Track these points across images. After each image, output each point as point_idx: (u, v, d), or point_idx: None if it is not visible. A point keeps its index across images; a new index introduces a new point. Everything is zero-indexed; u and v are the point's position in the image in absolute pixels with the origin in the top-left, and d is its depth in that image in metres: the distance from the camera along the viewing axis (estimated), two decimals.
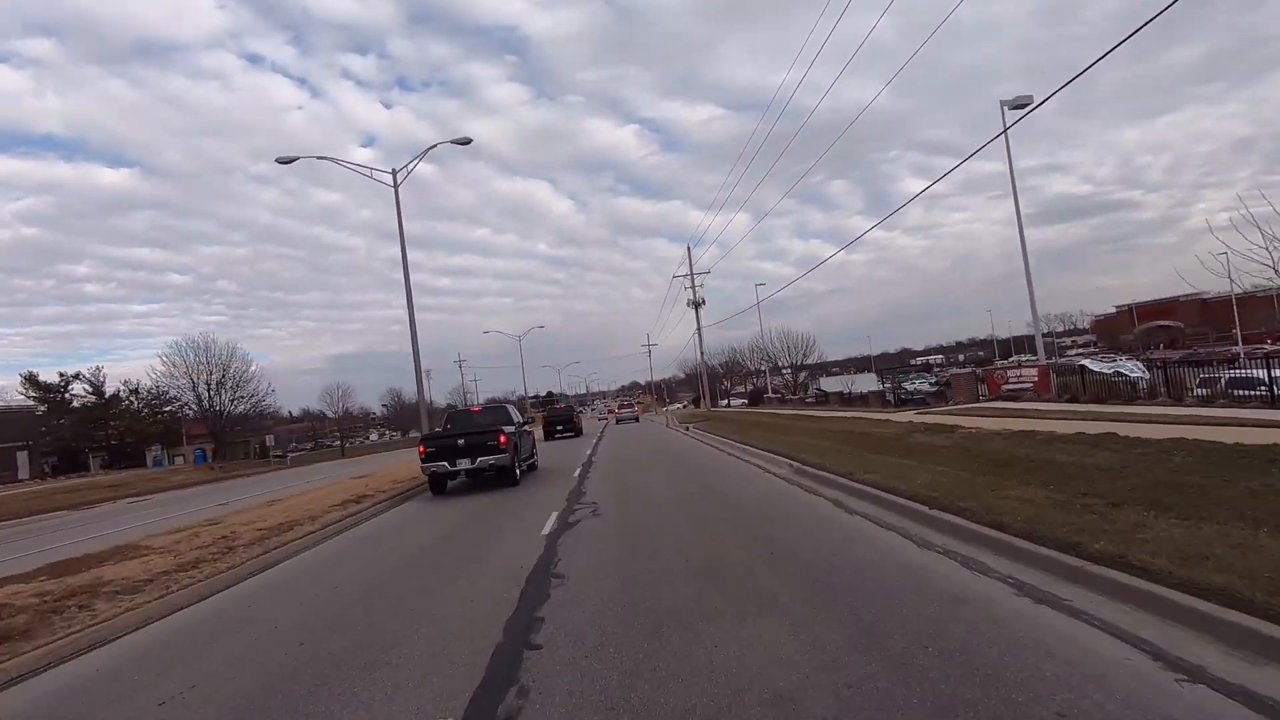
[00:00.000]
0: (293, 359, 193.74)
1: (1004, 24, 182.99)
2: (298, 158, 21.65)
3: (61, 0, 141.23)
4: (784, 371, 71.47)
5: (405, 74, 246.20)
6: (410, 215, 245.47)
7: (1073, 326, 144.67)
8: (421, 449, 16.35)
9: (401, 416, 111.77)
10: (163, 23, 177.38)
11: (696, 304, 48.25)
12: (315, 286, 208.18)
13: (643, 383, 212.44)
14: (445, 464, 15.70)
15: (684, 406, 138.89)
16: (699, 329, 48.74)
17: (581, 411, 63.80)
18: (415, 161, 22.84)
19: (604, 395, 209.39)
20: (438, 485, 16.26)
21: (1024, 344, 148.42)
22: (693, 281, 48.39)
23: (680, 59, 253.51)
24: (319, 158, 24.62)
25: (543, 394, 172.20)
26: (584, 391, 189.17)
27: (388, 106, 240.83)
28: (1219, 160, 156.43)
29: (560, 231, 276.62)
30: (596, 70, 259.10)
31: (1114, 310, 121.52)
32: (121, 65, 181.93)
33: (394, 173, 22.89)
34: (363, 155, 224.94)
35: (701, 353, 49.35)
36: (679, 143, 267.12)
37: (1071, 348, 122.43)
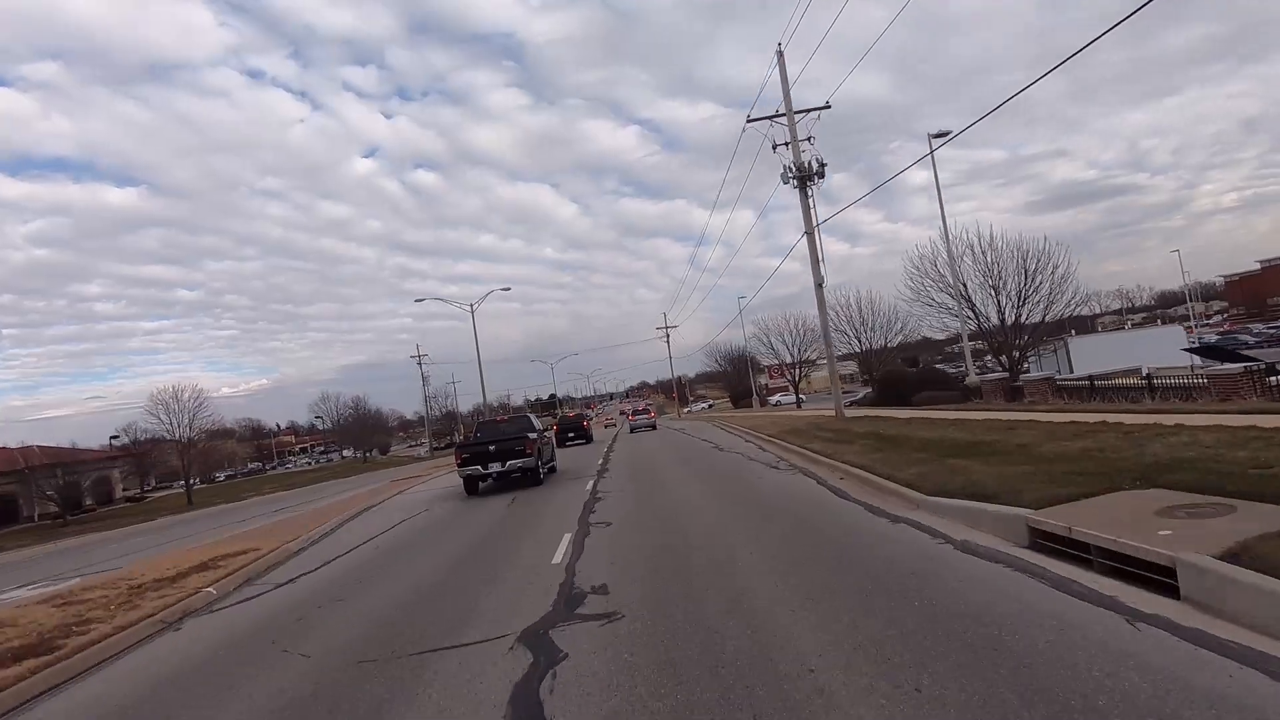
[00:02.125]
0: (303, 370, 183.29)
1: (1004, 12, 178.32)
2: None
3: (68, 24, 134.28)
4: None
5: (405, 84, 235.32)
6: (415, 223, 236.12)
7: (1129, 304, 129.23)
8: (458, 456, 17.61)
9: (353, 430, 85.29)
10: (168, 42, 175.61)
11: (801, 176, 21.67)
12: (325, 298, 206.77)
13: (652, 382, 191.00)
14: (479, 468, 16.69)
15: (709, 406, 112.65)
16: (812, 230, 22.16)
17: (589, 416, 56.85)
18: None
19: (611, 397, 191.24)
20: (471, 487, 17.12)
21: (1083, 324, 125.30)
22: (793, 132, 21.85)
23: (678, 58, 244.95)
24: None
25: (545, 397, 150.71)
26: (591, 394, 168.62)
27: (388, 117, 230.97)
28: (1226, 140, 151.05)
29: (565, 236, 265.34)
30: (595, 72, 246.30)
31: (1259, 267, 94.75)
32: (129, 86, 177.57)
33: None
34: (365, 166, 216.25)
35: (820, 284, 22.39)
36: (680, 142, 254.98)
37: (1188, 318, 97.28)
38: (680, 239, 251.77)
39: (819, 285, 22.62)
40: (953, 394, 28.16)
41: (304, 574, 9.41)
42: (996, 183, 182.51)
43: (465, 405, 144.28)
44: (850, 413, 24.15)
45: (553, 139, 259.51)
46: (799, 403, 53.49)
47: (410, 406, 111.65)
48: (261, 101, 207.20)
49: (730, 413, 57.13)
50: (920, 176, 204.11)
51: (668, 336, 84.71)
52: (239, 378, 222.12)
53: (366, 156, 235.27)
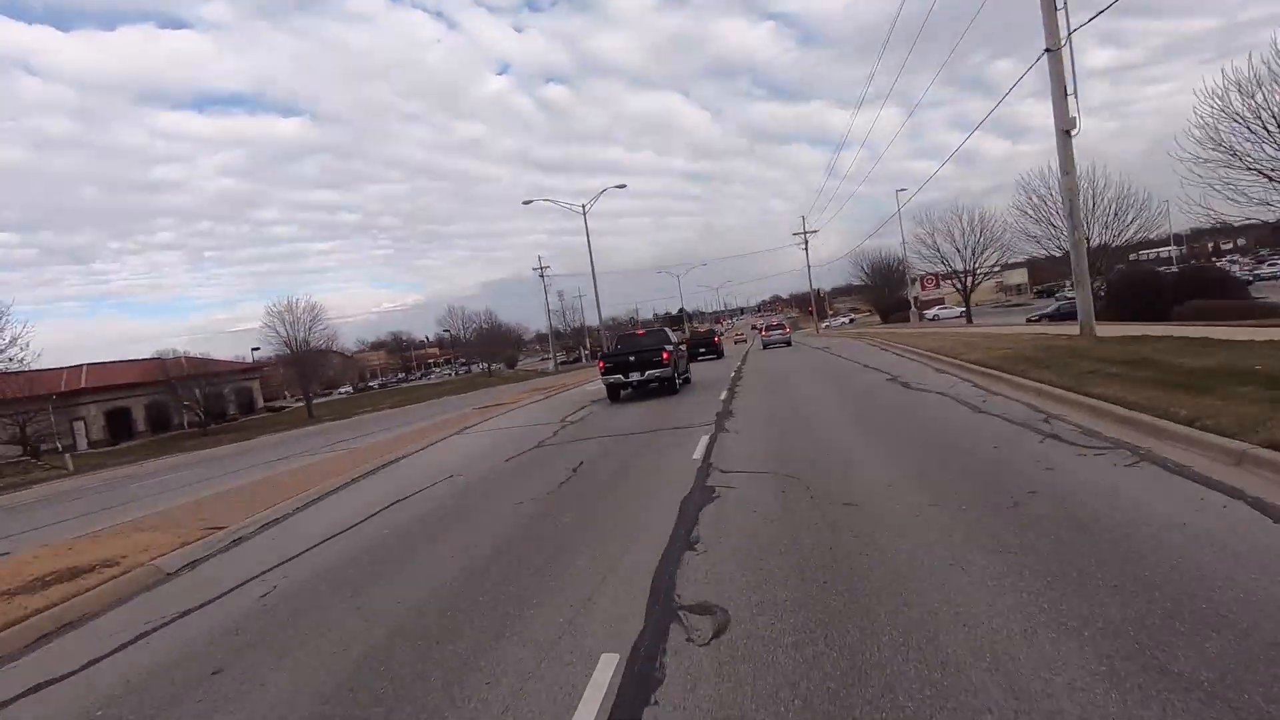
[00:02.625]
0: (451, 287, 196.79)
1: None
2: None
3: None
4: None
5: None
6: (544, 139, 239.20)
7: None
8: (601, 364, 18.68)
9: (479, 344, 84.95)
10: None
11: None
12: (465, 218, 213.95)
13: (785, 296, 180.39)
14: (620, 376, 17.51)
15: (850, 321, 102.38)
16: (1058, 45, 13.80)
17: (719, 332, 52.33)
18: None
19: (741, 312, 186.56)
20: (613, 393, 17.92)
21: None
22: None
23: None
24: None
25: (674, 313, 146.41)
26: (720, 308, 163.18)
27: (518, 30, 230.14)
28: None
29: (696, 145, 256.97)
30: None
31: None
32: (284, 18, 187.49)
33: None
34: (498, 84, 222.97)
35: (1069, 131, 14.15)
36: (818, 35, 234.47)
37: None
38: (817, 143, 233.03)
39: (1066, 132, 14.43)
40: (1244, 304, 19.01)
41: None
42: (1203, 58, 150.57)
43: (595, 319, 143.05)
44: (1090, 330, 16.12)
45: (682, 41, 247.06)
46: (968, 317, 43.96)
47: (544, 320, 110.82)
48: (402, 23, 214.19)
49: (882, 329, 48.53)
50: (1100, 58, 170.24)
51: (806, 243, 75.37)
52: (395, 293, 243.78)
53: (499, 74, 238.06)
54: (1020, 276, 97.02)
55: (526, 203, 43.19)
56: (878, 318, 71.99)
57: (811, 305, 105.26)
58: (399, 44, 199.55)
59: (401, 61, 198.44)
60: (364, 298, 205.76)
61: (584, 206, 42.34)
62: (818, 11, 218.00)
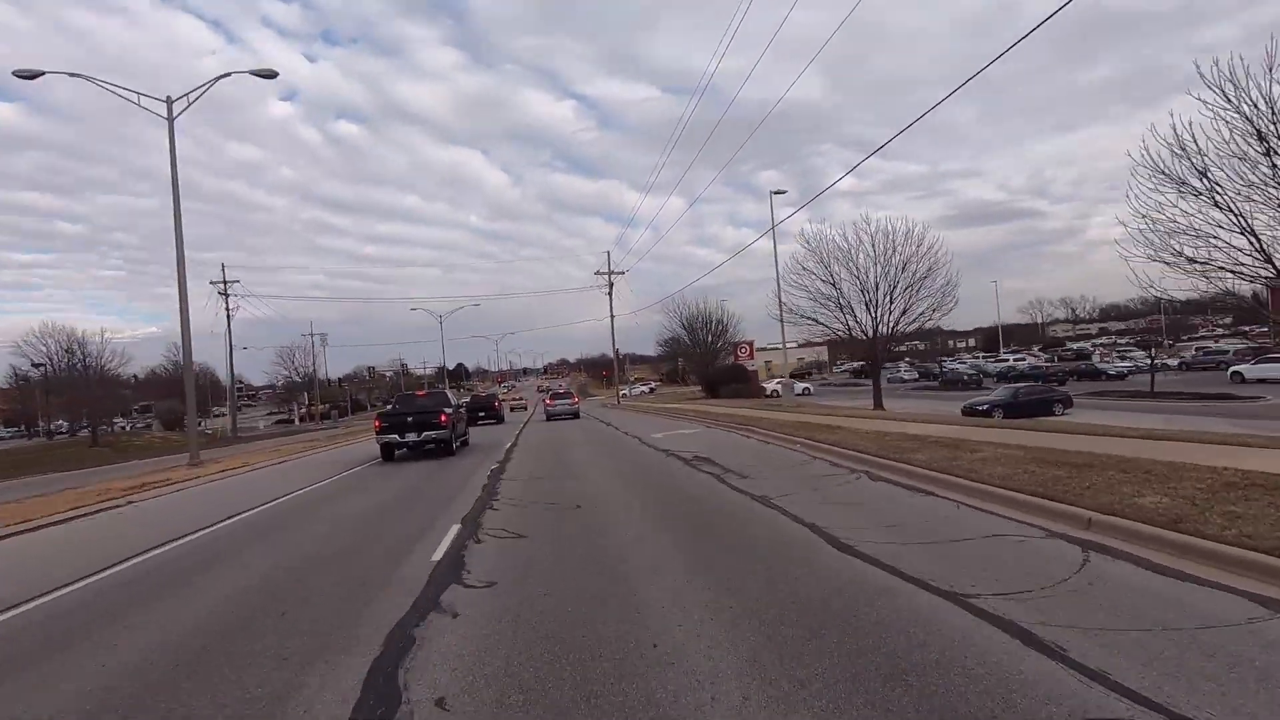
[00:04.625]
0: (204, 321, 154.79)
1: (929, 33, 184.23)
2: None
3: None
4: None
5: (332, 27, 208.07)
6: (339, 178, 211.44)
7: (1073, 314, 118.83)
8: (377, 423, 18.09)
9: (79, 387, 53.62)
10: None
11: None
12: (229, 245, 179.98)
13: (572, 360, 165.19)
14: (396, 436, 17.55)
15: (651, 390, 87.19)
16: None
17: (498, 395, 50.69)
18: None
19: (525, 373, 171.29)
20: (387, 453, 17.86)
21: (1034, 332, 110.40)
22: None
23: (618, 34, 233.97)
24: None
25: (450, 368, 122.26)
26: (508, 367, 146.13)
27: (311, 60, 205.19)
28: (1120, 177, 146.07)
29: (494, 205, 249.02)
30: (535, 38, 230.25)
31: None
32: None
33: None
34: (282, 109, 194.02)
35: None
36: (616, 121, 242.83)
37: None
38: (613, 219, 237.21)
39: None
40: None
41: None
42: (915, 195, 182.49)
43: (339, 370, 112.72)
44: None
45: (488, 102, 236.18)
46: (877, 399, 27.45)
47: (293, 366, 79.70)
48: (169, 25, 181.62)
49: (734, 407, 30.20)
50: (847, 182, 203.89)
51: (610, 286, 57.70)
52: (125, 323, 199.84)
53: (284, 100, 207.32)
54: (813, 353, 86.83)
55: (25, 74, 19.26)
56: (699, 388, 55.15)
57: (606, 370, 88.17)
58: (162, 46, 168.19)
59: (165, 66, 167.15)
60: (82, 324, 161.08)
61: (168, 99, 19.37)
62: (614, 100, 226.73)
